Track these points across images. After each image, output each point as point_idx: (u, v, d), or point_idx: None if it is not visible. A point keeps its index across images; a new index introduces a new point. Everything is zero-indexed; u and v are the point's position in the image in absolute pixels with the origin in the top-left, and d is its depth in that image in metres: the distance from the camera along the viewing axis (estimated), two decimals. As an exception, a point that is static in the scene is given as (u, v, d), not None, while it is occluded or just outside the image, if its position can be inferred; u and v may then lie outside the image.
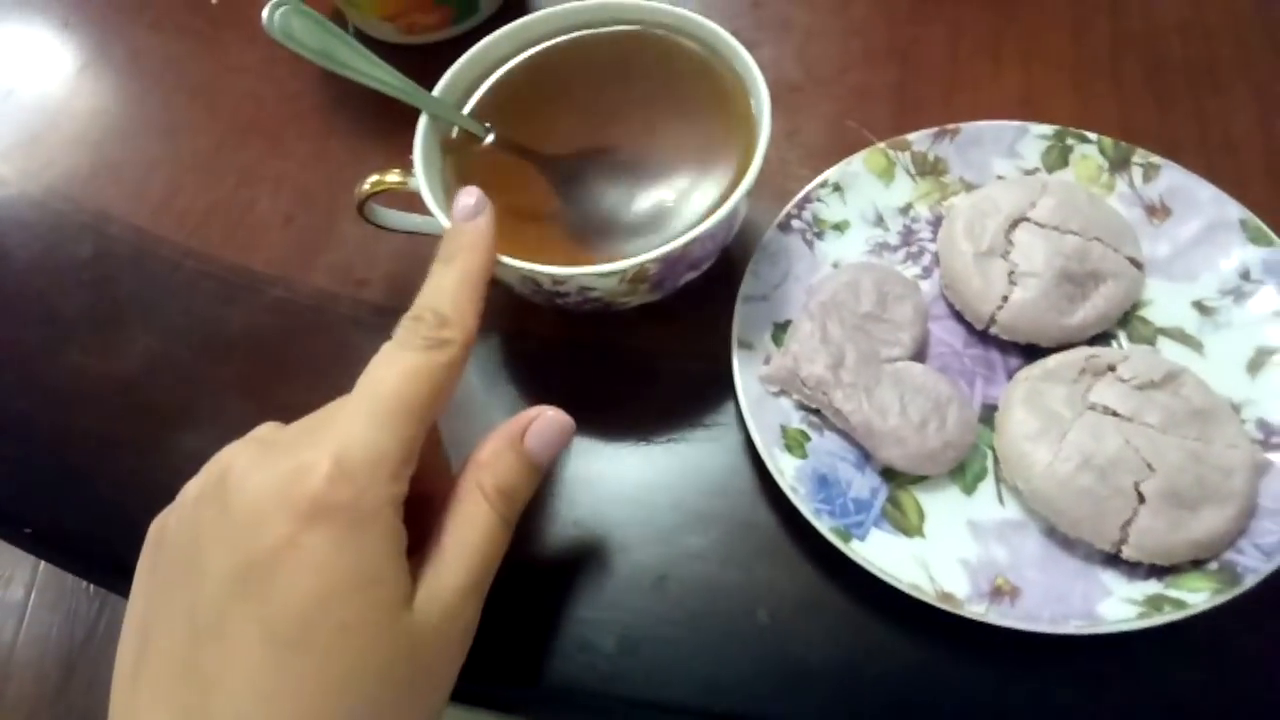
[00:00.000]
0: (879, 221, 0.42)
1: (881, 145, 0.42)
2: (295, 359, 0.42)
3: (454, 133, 0.41)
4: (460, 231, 0.34)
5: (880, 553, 0.34)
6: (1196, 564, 0.33)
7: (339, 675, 0.25)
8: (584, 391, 0.41)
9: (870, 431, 0.36)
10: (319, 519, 0.25)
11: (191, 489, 0.29)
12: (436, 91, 0.40)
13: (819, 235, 0.41)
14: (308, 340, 0.43)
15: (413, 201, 0.38)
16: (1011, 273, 0.38)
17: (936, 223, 0.42)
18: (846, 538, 0.34)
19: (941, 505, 0.36)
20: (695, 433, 0.39)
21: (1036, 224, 0.39)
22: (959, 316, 0.40)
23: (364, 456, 0.27)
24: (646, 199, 0.39)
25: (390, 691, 0.26)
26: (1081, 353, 0.37)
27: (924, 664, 0.34)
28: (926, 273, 0.41)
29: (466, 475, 0.30)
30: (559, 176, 0.40)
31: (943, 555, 0.34)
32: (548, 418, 0.31)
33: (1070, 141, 0.42)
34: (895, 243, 0.42)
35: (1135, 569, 0.33)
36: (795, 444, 0.37)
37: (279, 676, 0.24)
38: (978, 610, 0.32)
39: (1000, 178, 0.42)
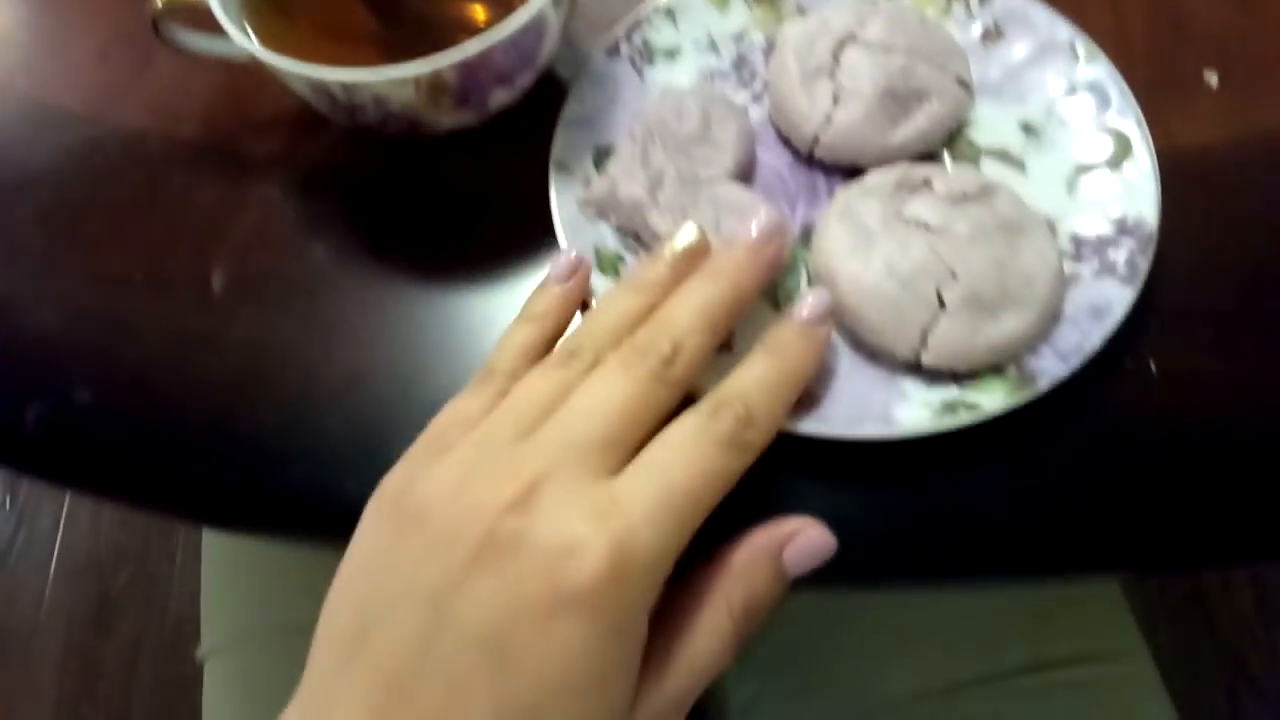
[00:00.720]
0: (712, 48, 0.41)
1: (716, -31, 0.41)
2: (102, 197, 0.40)
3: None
4: (799, 332, 0.31)
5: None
6: (996, 371, 0.33)
7: None
8: (406, 226, 0.39)
9: (682, 250, 0.35)
10: (579, 610, 0.24)
11: (456, 467, 0.27)
12: None
13: (649, 61, 0.40)
14: (117, 178, 0.41)
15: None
16: (836, 93, 0.37)
17: (770, 49, 0.41)
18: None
19: (752, 323, 0.35)
20: (517, 264, 0.38)
21: (865, 44, 0.38)
22: (786, 142, 0.39)
23: (643, 558, 0.25)
24: (461, 16, 0.38)
25: None
26: (898, 169, 0.36)
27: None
28: (757, 99, 0.40)
29: (714, 582, 0.28)
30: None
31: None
32: (812, 537, 0.28)
33: (908, -36, 0.41)
34: (727, 69, 0.40)
35: (936, 377, 0.33)
36: (609, 266, 0.36)
37: None
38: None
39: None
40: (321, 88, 0.34)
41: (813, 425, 0.32)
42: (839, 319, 0.34)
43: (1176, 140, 0.38)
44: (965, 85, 0.38)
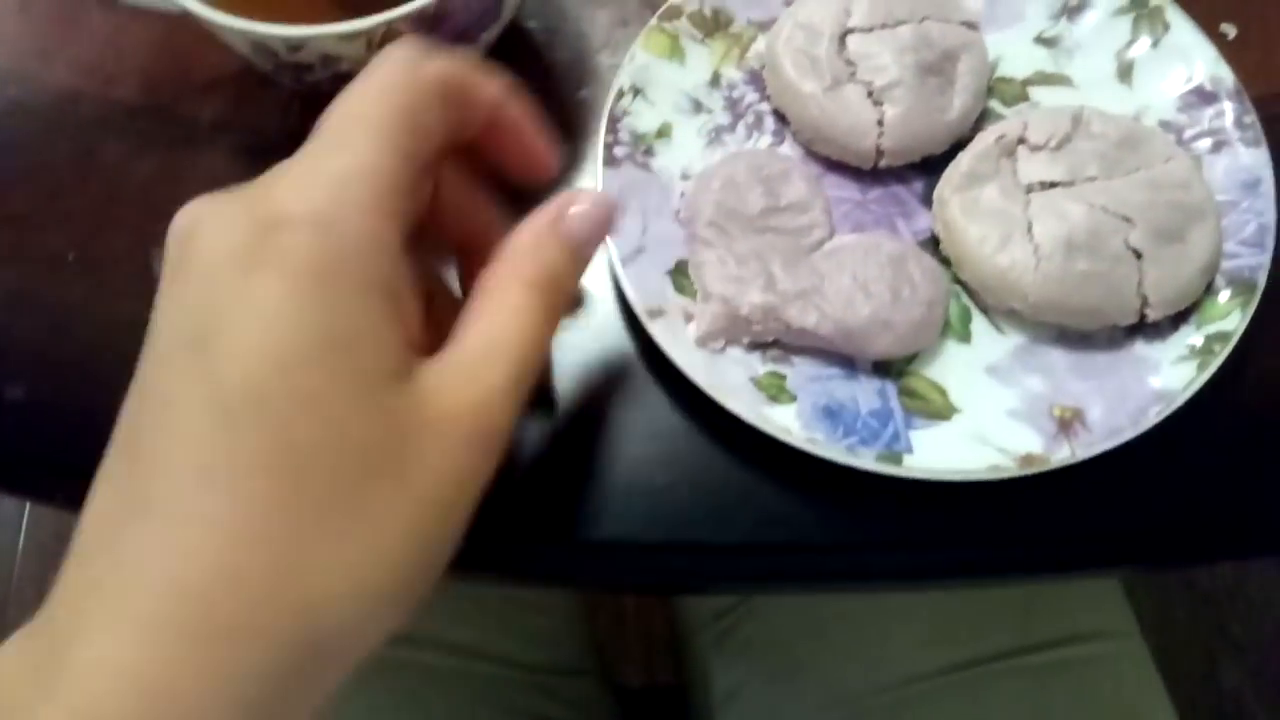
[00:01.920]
0: (698, 108, 0.35)
1: (654, 22, 0.35)
2: (32, 165, 0.37)
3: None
4: None
5: (937, 453, 0.29)
6: (1207, 292, 0.31)
7: (296, 451, 0.20)
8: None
9: (848, 333, 0.30)
10: (271, 261, 0.21)
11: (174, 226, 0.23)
12: None
13: (648, 153, 0.34)
14: (46, 147, 0.37)
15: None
16: (871, 93, 0.33)
17: (755, 80, 0.36)
18: (898, 459, 0.29)
19: (951, 370, 0.31)
20: None
21: (864, 30, 0.34)
22: (840, 166, 0.34)
23: (329, 176, 0.22)
24: None
25: (367, 479, 0.20)
26: (985, 139, 0.33)
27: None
28: (778, 137, 0.35)
29: (501, 263, 0.25)
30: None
31: (990, 420, 0.30)
32: (590, 199, 0.26)
33: (830, -69, 0.37)
34: (727, 121, 0.35)
35: (1159, 330, 0.31)
36: (777, 390, 0.30)
37: (224, 451, 0.20)
38: (1064, 455, 0.29)
39: (787, 1, 0.36)
40: (263, 45, 0.31)
41: (1103, 443, 0.29)
42: (1038, 318, 0.31)
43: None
44: (974, 26, 0.35)
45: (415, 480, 0.21)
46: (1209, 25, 0.33)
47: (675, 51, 0.35)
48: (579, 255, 0.26)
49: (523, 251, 0.25)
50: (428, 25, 0.31)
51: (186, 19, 0.32)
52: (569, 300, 0.26)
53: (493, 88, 0.26)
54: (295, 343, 0.20)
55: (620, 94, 0.34)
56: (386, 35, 0.31)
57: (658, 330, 0.30)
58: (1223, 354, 0.29)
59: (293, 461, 0.20)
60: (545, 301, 0.25)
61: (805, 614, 0.48)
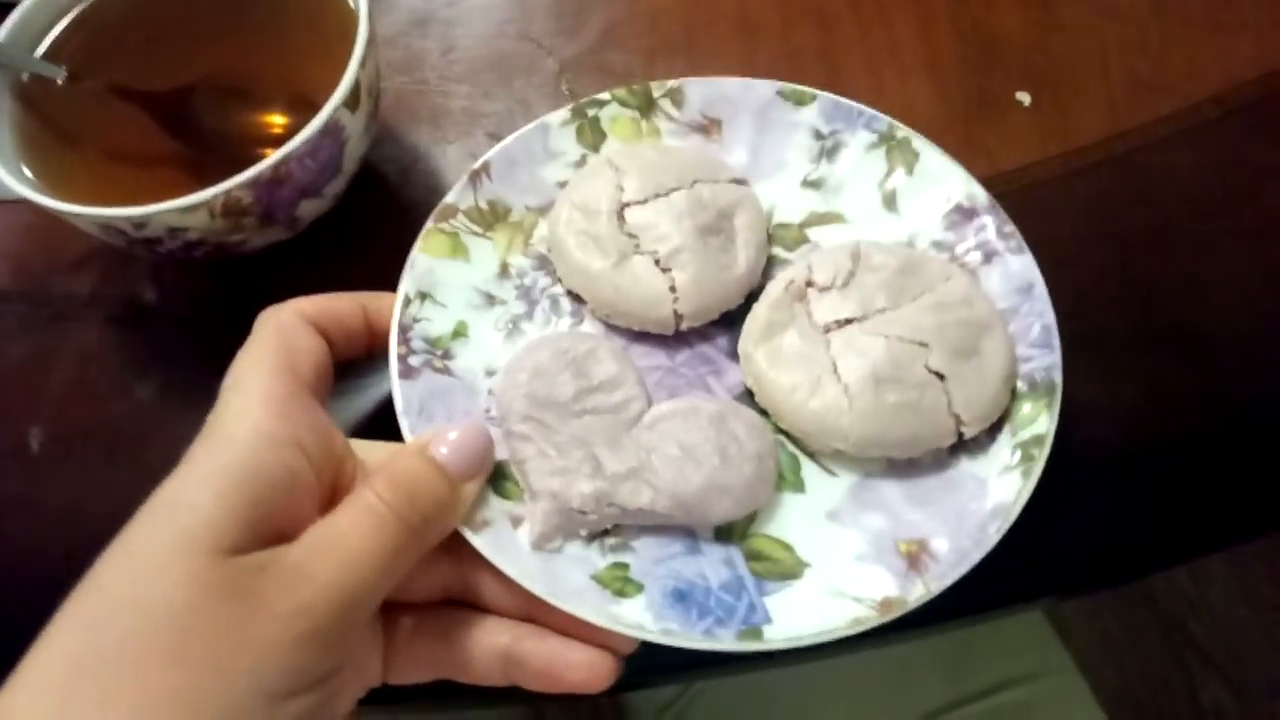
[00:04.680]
0: (491, 301, 0.34)
1: (431, 224, 0.34)
2: None
3: (26, 78, 0.37)
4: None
5: (796, 616, 0.28)
6: (1011, 397, 0.32)
7: (108, 605, 0.23)
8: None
9: (686, 505, 0.29)
10: None
11: None
12: (1, 35, 0.36)
13: (447, 356, 0.33)
14: None
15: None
16: (658, 261, 0.33)
17: (543, 263, 0.35)
18: (757, 634, 0.27)
19: (792, 522, 0.30)
20: (362, 380, 0.35)
21: (638, 204, 0.34)
22: (645, 335, 0.34)
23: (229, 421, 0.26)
24: (260, 126, 0.37)
25: (173, 649, 0.22)
26: (775, 288, 0.33)
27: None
28: (577, 316, 0.35)
29: (368, 475, 0.27)
30: (165, 114, 0.37)
31: (840, 569, 0.29)
32: (462, 427, 0.28)
33: (591, 112, 0.38)
34: (523, 309, 0.34)
35: (979, 443, 0.31)
36: (622, 584, 0.29)
37: (70, 606, 0.23)
38: (920, 593, 0.28)
39: (562, 184, 0.37)
40: (110, 226, 0.32)
41: (956, 569, 0.28)
42: (863, 454, 0.31)
43: (1000, 163, 0.39)
44: (742, 181, 0.36)
45: (231, 672, 0.22)
46: (1005, 94, 0.34)
47: (458, 250, 0.35)
48: (444, 470, 0.27)
49: (386, 463, 0.27)
50: (267, 189, 0.32)
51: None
52: (440, 528, 0.27)
53: (353, 299, 0.31)
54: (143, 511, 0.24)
55: (407, 301, 0.33)
56: (228, 203, 0.32)
57: (484, 544, 0.28)
58: (1042, 457, 0.30)
59: (100, 616, 0.22)
60: (401, 512, 0.25)
61: (744, 700, 0.47)
